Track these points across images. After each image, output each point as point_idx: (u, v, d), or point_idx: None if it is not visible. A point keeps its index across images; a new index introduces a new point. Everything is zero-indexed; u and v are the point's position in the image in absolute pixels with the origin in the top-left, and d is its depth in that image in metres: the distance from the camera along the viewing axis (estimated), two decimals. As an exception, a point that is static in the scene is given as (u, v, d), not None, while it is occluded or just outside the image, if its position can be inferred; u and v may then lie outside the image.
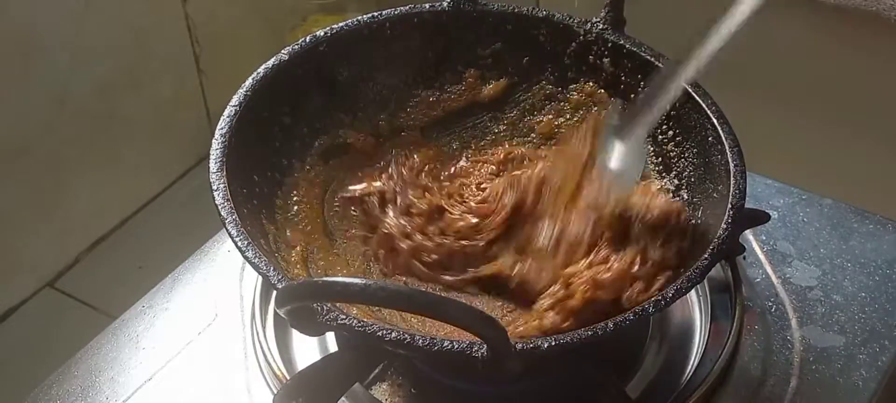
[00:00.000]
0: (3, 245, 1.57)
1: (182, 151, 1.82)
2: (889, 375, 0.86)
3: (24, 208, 1.59)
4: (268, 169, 0.90)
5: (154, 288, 0.97)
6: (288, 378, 0.83)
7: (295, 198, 0.91)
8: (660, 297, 0.73)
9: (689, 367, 0.87)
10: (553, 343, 0.71)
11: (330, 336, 0.89)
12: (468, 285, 0.87)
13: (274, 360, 0.86)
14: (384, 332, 0.70)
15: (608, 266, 0.80)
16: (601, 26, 0.96)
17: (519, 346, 0.69)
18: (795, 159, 1.20)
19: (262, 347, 0.88)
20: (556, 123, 0.99)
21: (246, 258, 0.76)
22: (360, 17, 0.97)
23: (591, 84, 0.97)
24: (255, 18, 1.85)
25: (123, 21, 1.63)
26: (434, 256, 0.88)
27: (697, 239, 0.83)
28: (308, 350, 0.89)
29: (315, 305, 0.71)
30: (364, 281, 0.64)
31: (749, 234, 0.98)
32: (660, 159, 0.93)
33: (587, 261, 0.82)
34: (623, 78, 0.96)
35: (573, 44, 0.98)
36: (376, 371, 0.86)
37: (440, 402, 0.88)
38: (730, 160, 0.83)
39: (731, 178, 0.81)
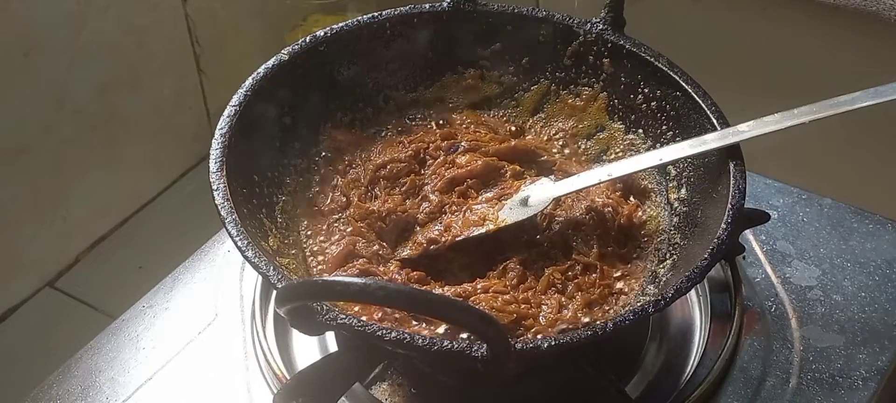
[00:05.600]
0: (3, 245, 1.57)
1: (182, 151, 1.81)
2: (889, 375, 0.86)
3: (24, 208, 1.58)
4: (268, 169, 0.90)
5: (154, 288, 0.98)
6: (288, 378, 0.83)
7: (295, 198, 0.91)
8: (660, 297, 0.73)
9: (689, 367, 0.87)
10: (553, 343, 0.71)
11: (330, 336, 0.90)
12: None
13: (274, 360, 0.86)
14: (384, 332, 0.70)
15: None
16: (601, 26, 0.96)
17: (518, 346, 0.69)
18: (795, 159, 1.20)
19: (262, 347, 0.88)
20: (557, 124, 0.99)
21: (246, 258, 0.76)
22: (360, 18, 0.97)
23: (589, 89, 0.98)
24: (255, 18, 1.85)
25: (123, 21, 1.63)
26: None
27: (697, 238, 0.83)
28: (308, 350, 0.89)
29: (315, 304, 0.71)
30: (364, 281, 0.64)
31: (749, 234, 0.98)
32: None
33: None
34: (623, 78, 0.96)
35: (573, 44, 0.98)
36: (376, 371, 0.86)
37: (440, 402, 0.88)
38: (729, 160, 0.83)
39: (731, 178, 0.81)
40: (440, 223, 0.90)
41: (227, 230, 0.78)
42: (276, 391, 0.82)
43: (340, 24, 0.96)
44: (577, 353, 0.77)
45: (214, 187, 0.80)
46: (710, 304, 0.91)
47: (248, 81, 0.90)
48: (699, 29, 1.47)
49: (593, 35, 0.96)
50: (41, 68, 1.54)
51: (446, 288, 0.85)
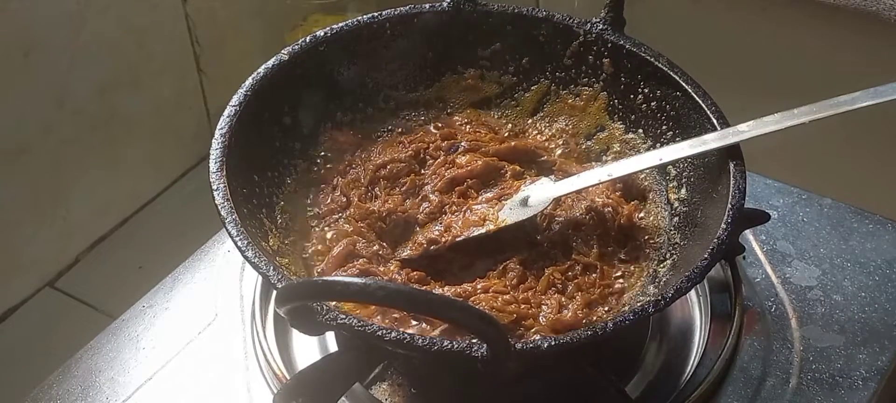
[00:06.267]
0: (3, 245, 1.57)
1: (182, 151, 1.81)
2: (889, 375, 0.86)
3: (24, 208, 1.58)
4: (268, 169, 0.90)
5: (154, 288, 0.98)
6: (288, 378, 0.83)
7: (295, 198, 0.91)
8: (660, 297, 0.73)
9: (689, 367, 0.87)
10: (553, 343, 0.71)
11: (330, 336, 0.90)
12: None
13: (274, 360, 0.86)
14: (384, 332, 0.70)
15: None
16: (601, 26, 0.96)
17: (518, 346, 0.69)
18: (795, 159, 1.20)
19: (262, 347, 0.88)
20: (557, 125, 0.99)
21: (246, 258, 0.76)
22: (360, 18, 0.97)
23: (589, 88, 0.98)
24: (255, 18, 1.85)
25: (123, 21, 1.63)
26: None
27: (697, 238, 0.83)
28: (308, 350, 0.89)
29: (315, 304, 0.71)
30: (364, 281, 0.64)
31: (749, 234, 0.98)
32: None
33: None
34: (623, 78, 0.96)
35: (573, 44, 0.98)
36: (376, 371, 0.86)
37: (440, 402, 0.88)
38: (729, 160, 0.83)
39: (731, 178, 0.81)
40: (440, 223, 0.90)
41: (227, 230, 0.78)
42: (276, 391, 0.82)
43: (340, 24, 0.96)
44: (577, 353, 0.77)
45: (214, 187, 0.80)
46: (710, 304, 0.91)
47: (248, 81, 0.90)
48: (699, 29, 1.47)
49: (593, 35, 0.96)
50: (41, 68, 1.54)
51: (446, 288, 0.85)
